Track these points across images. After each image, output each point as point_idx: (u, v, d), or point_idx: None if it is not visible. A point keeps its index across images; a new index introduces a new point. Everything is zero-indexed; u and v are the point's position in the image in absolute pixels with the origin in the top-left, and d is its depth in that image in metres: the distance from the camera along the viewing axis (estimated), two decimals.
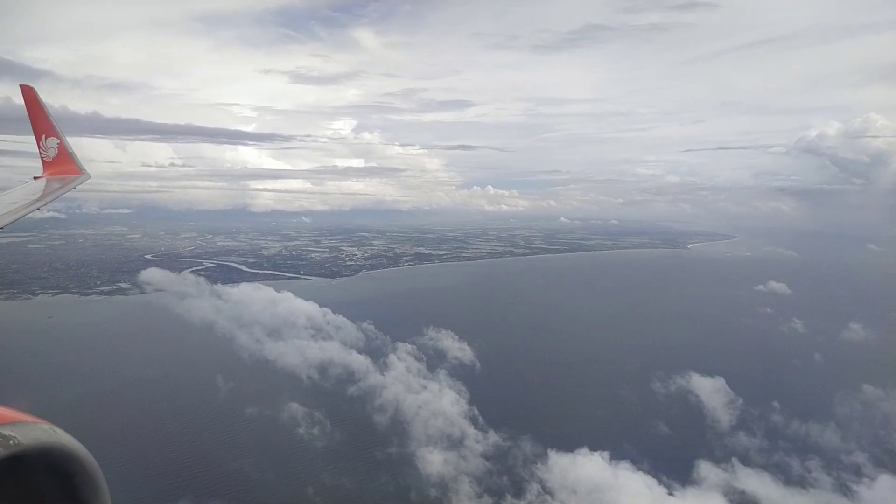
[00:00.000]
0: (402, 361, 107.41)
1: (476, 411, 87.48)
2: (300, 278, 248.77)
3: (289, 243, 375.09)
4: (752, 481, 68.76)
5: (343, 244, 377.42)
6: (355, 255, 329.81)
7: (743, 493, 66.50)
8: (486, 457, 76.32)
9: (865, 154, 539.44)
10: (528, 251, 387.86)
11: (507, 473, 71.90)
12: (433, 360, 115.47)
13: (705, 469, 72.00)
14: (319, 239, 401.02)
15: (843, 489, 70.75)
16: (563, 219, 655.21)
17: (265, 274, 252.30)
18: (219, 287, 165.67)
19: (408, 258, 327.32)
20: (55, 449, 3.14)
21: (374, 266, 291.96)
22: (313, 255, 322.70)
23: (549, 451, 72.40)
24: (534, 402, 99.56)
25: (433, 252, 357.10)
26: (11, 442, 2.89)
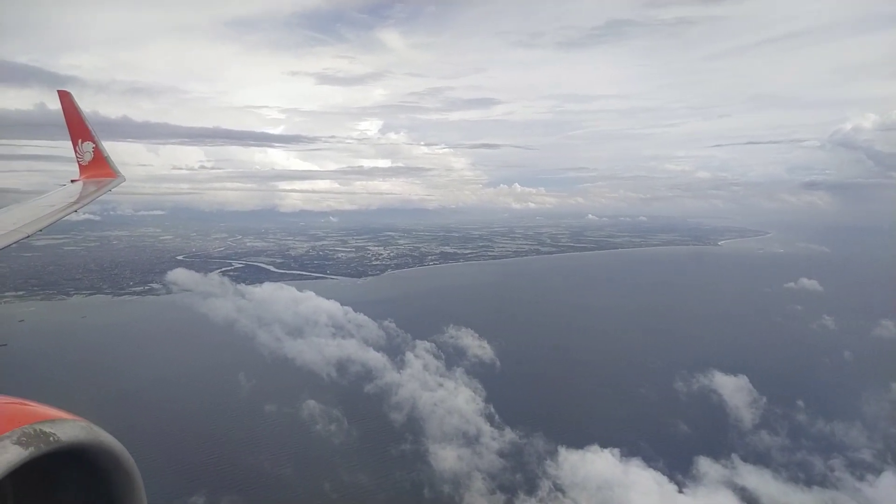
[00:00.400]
0: (419, 359, 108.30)
1: (492, 409, 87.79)
2: (326, 278, 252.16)
3: (316, 243, 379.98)
4: (754, 478, 67.59)
5: (369, 244, 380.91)
6: (381, 254, 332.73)
7: (744, 489, 65.42)
8: (501, 454, 76.62)
9: None
10: (554, 249, 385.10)
11: (521, 470, 72.09)
12: (452, 358, 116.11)
13: (711, 466, 70.97)
14: (346, 239, 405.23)
15: (857, 486, 68.98)
16: (590, 216, 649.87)
17: (292, 274, 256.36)
18: (242, 287, 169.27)
19: (433, 257, 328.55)
20: (94, 446, 3.28)
21: (399, 265, 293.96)
22: (340, 254, 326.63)
23: (559, 447, 72.24)
24: (552, 401, 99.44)
25: (458, 251, 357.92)
26: (52, 438, 2.98)
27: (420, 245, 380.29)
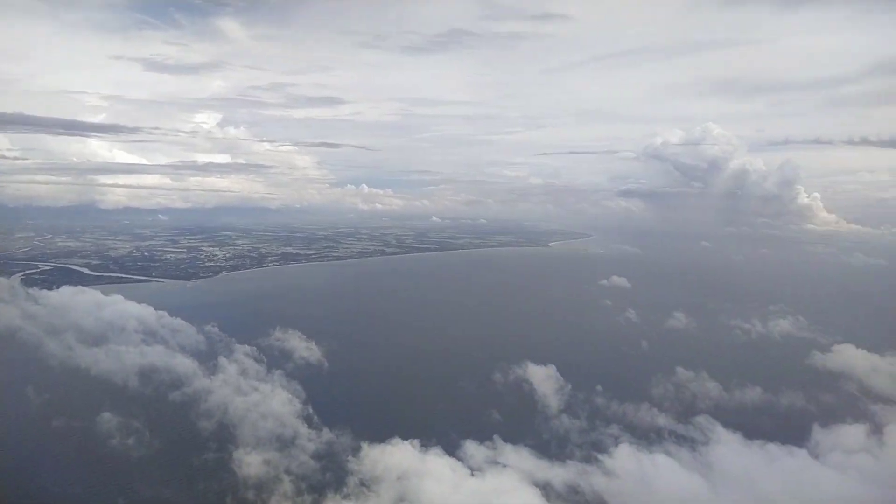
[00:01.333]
0: (236, 364, 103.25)
1: (311, 410, 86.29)
2: (151, 281, 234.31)
3: (142, 243, 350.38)
4: (513, 457, 73.95)
5: (204, 244, 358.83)
6: (216, 255, 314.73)
7: (505, 466, 70.98)
8: (316, 455, 75.28)
9: (703, 160, 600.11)
10: (398, 250, 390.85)
11: (333, 469, 71.43)
12: (275, 361, 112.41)
13: (477, 448, 75.80)
14: (177, 238, 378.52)
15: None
16: (434, 218, 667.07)
17: (110, 277, 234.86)
18: (36, 291, 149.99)
19: (273, 258, 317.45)
20: None
21: (235, 267, 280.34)
22: (169, 255, 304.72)
23: (363, 443, 73.04)
24: (373, 398, 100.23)
25: (301, 252, 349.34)
26: None
27: (260, 245, 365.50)
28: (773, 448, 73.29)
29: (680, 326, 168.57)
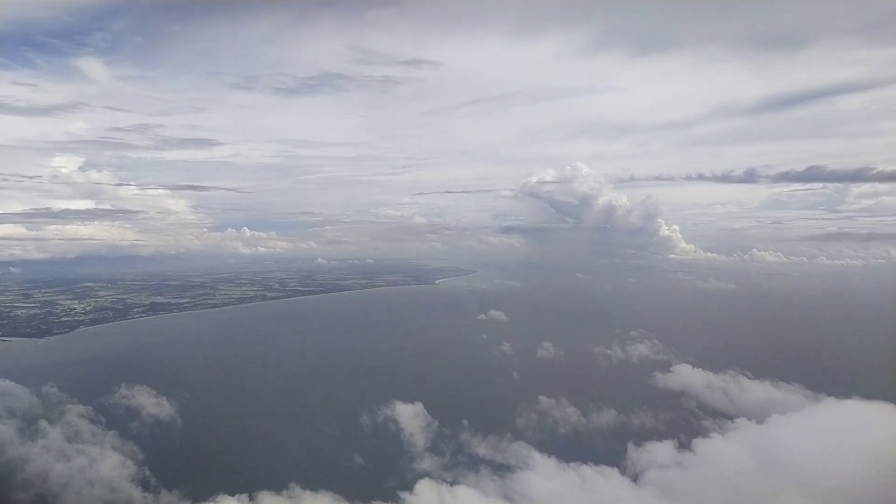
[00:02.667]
0: (65, 426, 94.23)
1: (148, 472, 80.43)
2: None
3: None
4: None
5: (61, 297, 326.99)
6: (74, 309, 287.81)
7: None
8: None
9: (575, 197, 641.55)
10: (281, 294, 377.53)
11: None
12: (118, 421, 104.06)
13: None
14: (30, 292, 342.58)
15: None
16: (320, 259, 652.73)
17: None
18: None
19: (140, 309, 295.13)
20: None
21: (95, 321, 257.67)
22: (19, 311, 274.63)
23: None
24: (228, 453, 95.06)
25: (173, 301, 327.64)
26: None
27: (126, 296, 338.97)
28: (586, 469, 78.15)
29: (549, 356, 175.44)
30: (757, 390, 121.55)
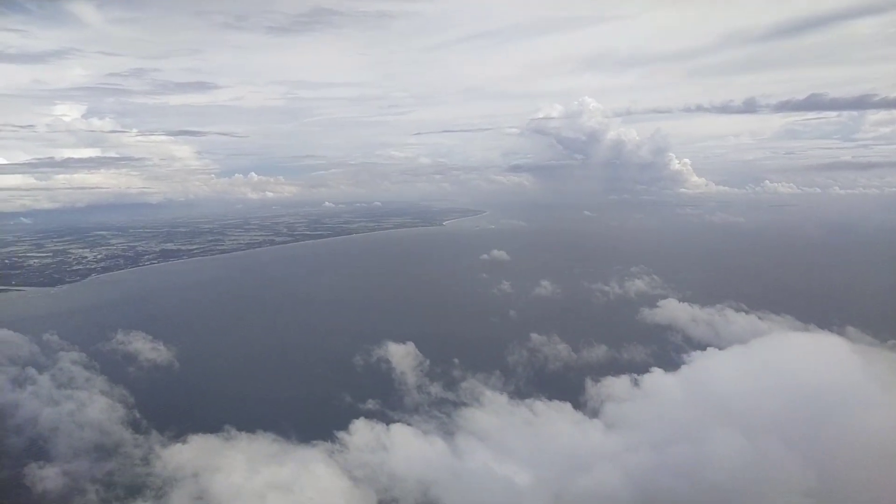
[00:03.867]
0: (56, 373, 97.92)
1: (138, 414, 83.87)
2: (10, 290, 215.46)
3: (2, 249, 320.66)
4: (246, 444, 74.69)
5: (73, 246, 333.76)
6: (86, 257, 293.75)
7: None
8: (145, 460, 73.15)
9: (583, 133, 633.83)
10: (289, 239, 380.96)
11: (150, 471, 69.74)
12: (113, 366, 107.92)
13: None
14: (43, 242, 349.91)
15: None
16: (328, 203, 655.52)
17: None
18: None
19: (150, 256, 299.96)
20: None
21: (107, 269, 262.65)
22: (32, 261, 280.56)
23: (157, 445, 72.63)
24: (219, 395, 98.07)
25: (183, 247, 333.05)
26: None
27: (137, 244, 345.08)
28: (539, 405, 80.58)
29: (546, 294, 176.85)
30: (742, 322, 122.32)
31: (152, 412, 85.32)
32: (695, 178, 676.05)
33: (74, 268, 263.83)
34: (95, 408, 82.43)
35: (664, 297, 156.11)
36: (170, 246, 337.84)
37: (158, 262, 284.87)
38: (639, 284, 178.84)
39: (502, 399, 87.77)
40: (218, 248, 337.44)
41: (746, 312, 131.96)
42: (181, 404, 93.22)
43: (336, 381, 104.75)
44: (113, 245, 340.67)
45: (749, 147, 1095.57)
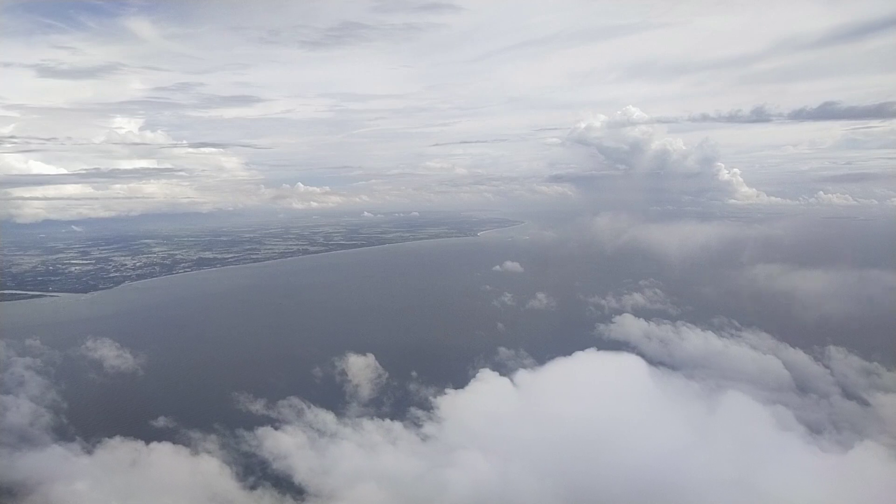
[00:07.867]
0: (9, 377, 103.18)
1: (65, 420, 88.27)
2: (46, 296, 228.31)
3: (50, 257, 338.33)
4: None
5: (116, 254, 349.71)
6: (125, 264, 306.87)
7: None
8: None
9: (625, 143, 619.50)
10: (323, 248, 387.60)
11: None
12: (64, 373, 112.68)
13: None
14: (89, 250, 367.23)
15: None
16: (366, 213, 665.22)
17: (2, 294, 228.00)
18: None
19: (186, 265, 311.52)
20: None
21: (142, 276, 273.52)
22: (74, 268, 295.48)
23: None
24: (162, 401, 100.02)
25: (219, 256, 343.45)
26: None
27: (177, 252, 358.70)
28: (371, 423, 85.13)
29: (539, 307, 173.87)
30: (695, 340, 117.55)
31: (79, 418, 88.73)
32: (745, 189, 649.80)
33: (111, 275, 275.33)
34: (17, 413, 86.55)
35: (666, 312, 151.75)
36: (207, 254, 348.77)
37: (192, 271, 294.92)
38: (637, 299, 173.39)
39: (328, 417, 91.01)
40: (252, 257, 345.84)
41: (737, 329, 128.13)
42: (114, 411, 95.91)
43: (286, 391, 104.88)
44: (154, 253, 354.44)
45: (806, 157, 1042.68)
